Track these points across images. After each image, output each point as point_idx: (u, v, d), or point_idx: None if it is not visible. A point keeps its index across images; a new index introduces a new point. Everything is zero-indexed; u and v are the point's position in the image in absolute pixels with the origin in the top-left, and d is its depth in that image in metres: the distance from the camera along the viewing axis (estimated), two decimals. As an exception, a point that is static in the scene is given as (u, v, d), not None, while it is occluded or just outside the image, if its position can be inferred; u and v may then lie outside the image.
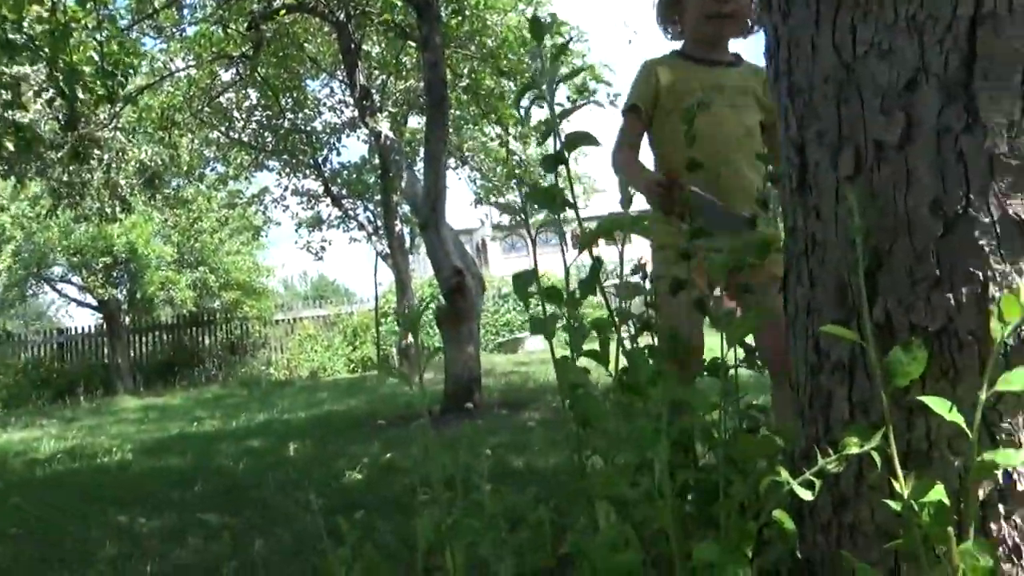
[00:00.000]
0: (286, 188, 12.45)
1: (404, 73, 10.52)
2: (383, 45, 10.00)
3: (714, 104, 2.03)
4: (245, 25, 8.08)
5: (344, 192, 12.50)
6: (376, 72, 10.59)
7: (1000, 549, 0.92)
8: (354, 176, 12.07)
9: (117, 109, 7.56)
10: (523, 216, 1.26)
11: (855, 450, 1.00)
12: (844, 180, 1.09)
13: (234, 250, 14.20)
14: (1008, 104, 0.90)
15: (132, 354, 13.11)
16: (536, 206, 1.44)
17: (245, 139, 11.19)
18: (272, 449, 4.96)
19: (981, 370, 0.92)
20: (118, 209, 8.86)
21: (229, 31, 8.43)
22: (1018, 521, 0.91)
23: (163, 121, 9.23)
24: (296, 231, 12.66)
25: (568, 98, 8.35)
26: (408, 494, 2.99)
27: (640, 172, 2.04)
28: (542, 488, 2.66)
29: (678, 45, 2.23)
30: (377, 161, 11.00)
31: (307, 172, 12.18)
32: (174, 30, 8.63)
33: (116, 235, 12.42)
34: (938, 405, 0.90)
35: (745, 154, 2.05)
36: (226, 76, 9.86)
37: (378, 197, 11.77)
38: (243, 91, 10.44)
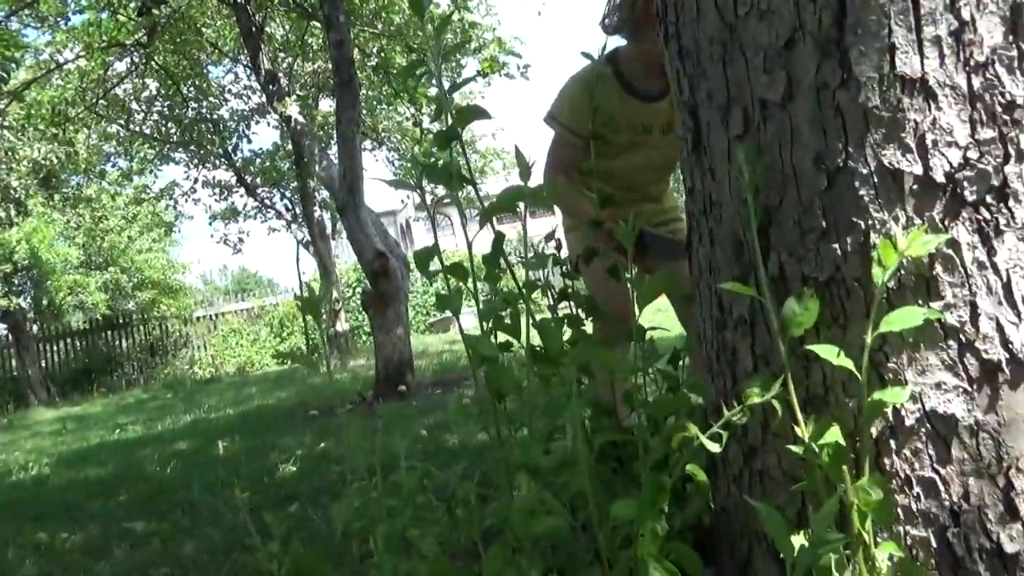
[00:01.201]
0: (196, 180, 11.99)
1: (311, 54, 10.24)
2: (287, 26, 9.69)
3: (643, 143, 2.06)
4: (135, 10, 7.69)
5: (259, 181, 12.13)
6: (282, 54, 10.27)
7: (893, 482, 0.97)
8: (267, 164, 11.72)
9: (2, 106, 7.10)
10: (420, 193, 1.25)
11: (756, 400, 1.04)
12: (734, 139, 1.12)
13: (145, 248, 13.62)
14: (877, 58, 0.93)
15: (43, 364, 12.46)
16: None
17: (147, 131, 10.70)
18: (200, 449, 4.81)
19: (867, 315, 0.96)
20: (13, 213, 8.36)
21: (119, 17, 8.01)
22: (908, 455, 0.96)
23: (55, 117, 8.72)
24: (210, 224, 12.22)
25: (478, 72, 8.29)
26: (341, 483, 2.96)
27: (587, 213, 1.88)
28: (473, 464, 2.68)
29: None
30: (291, 147, 10.70)
31: (217, 162, 11.75)
32: (58, 19, 8.14)
33: (15, 240, 11.74)
34: (827, 352, 0.94)
35: (666, 184, 2.22)
36: (120, 66, 9.38)
37: (294, 184, 11.48)
38: (140, 81, 9.96)
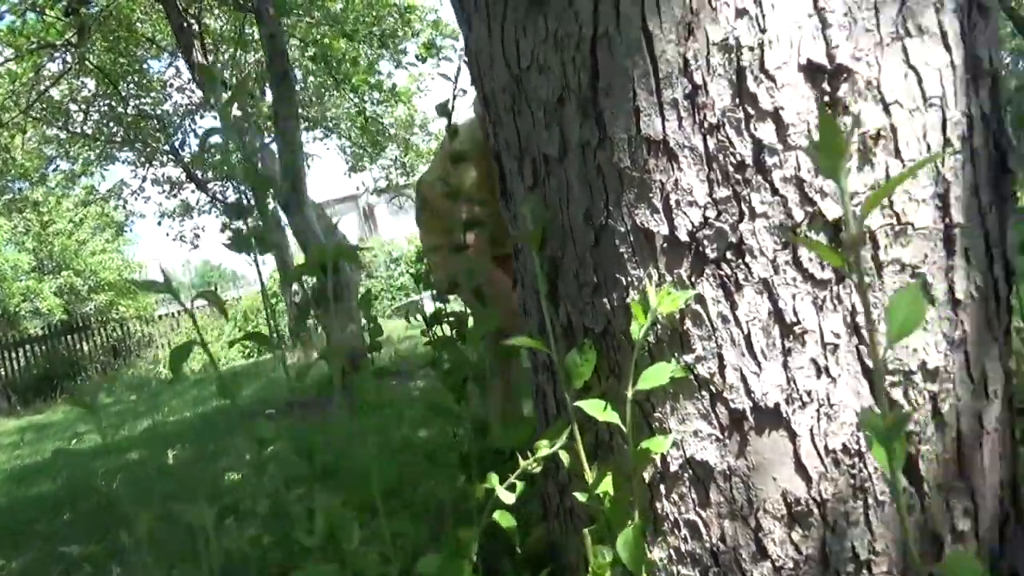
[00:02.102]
0: (144, 179, 11.78)
1: (253, 45, 10.05)
2: (226, 17, 9.50)
3: None
4: (62, 11, 7.49)
5: (210, 175, 11.95)
6: (223, 47, 10.08)
7: (665, 524, 1.01)
8: (217, 158, 11.53)
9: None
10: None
11: (546, 451, 1.07)
12: (528, 190, 1.14)
13: (99, 249, 13.39)
14: (625, 120, 0.95)
15: (3, 372, 12.29)
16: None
17: (88, 132, 10.47)
18: (151, 459, 4.81)
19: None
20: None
21: (46, 18, 7.80)
22: (675, 498, 1.00)
23: (-12, 122, 8.52)
24: (159, 224, 12.03)
25: (417, 56, 8.20)
26: (288, 488, 2.97)
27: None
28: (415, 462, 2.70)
29: None
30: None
31: (165, 159, 11.55)
32: (-18, 23, 7.91)
33: (-40, 249, 11.52)
34: (593, 407, 0.97)
35: None
36: (53, 67, 9.15)
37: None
38: (76, 81, 9.72)
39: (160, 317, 14.18)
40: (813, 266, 0.91)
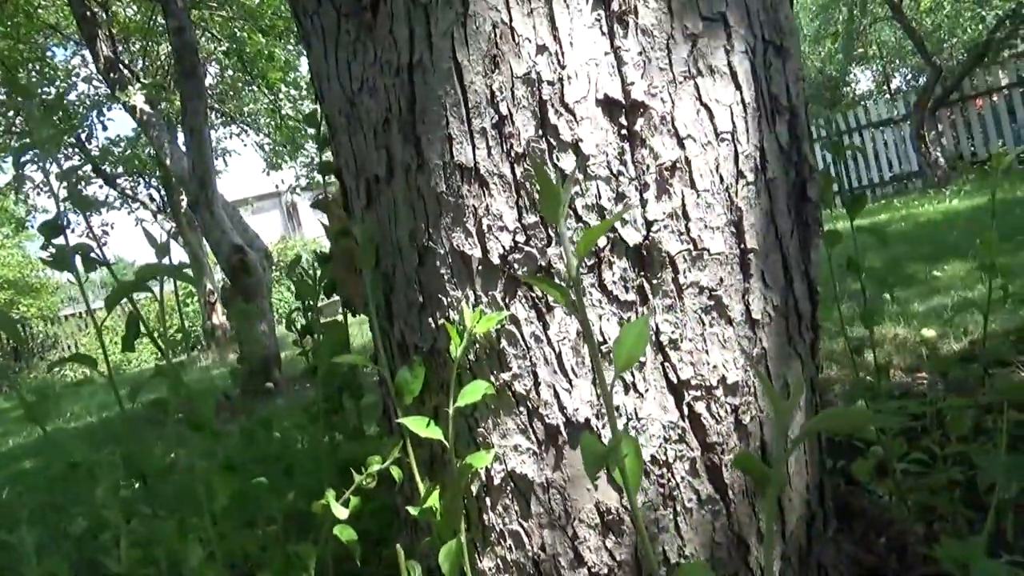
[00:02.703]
0: (47, 172, 11.22)
1: (165, 37, 9.70)
2: (136, 7, 9.15)
3: None
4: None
5: (120, 170, 11.48)
6: (133, 38, 9.70)
7: (492, 535, 1.05)
8: (127, 152, 11.10)
9: None
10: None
11: (378, 466, 1.10)
12: (363, 210, 1.16)
13: (-3, 245, 12.74)
14: (440, 146, 0.98)
15: None
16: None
17: (-16, 122, 9.93)
18: (44, 469, 4.61)
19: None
20: None
21: (-65, 3, 7.35)
22: (500, 510, 1.04)
23: None
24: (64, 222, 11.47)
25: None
26: (182, 499, 2.90)
27: None
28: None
29: None
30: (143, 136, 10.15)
31: (69, 152, 11.04)
32: None
33: None
34: (416, 424, 1.00)
35: None
36: (-58, 53, 8.64)
37: (158, 173, 10.93)
38: (-29, 69, 9.19)
39: (66, 317, 13.60)
40: (617, 288, 0.96)
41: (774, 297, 1.03)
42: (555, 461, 0.99)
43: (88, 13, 7.37)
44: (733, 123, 0.97)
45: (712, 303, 0.97)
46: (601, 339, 0.96)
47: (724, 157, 0.97)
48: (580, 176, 0.94)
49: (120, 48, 9.50)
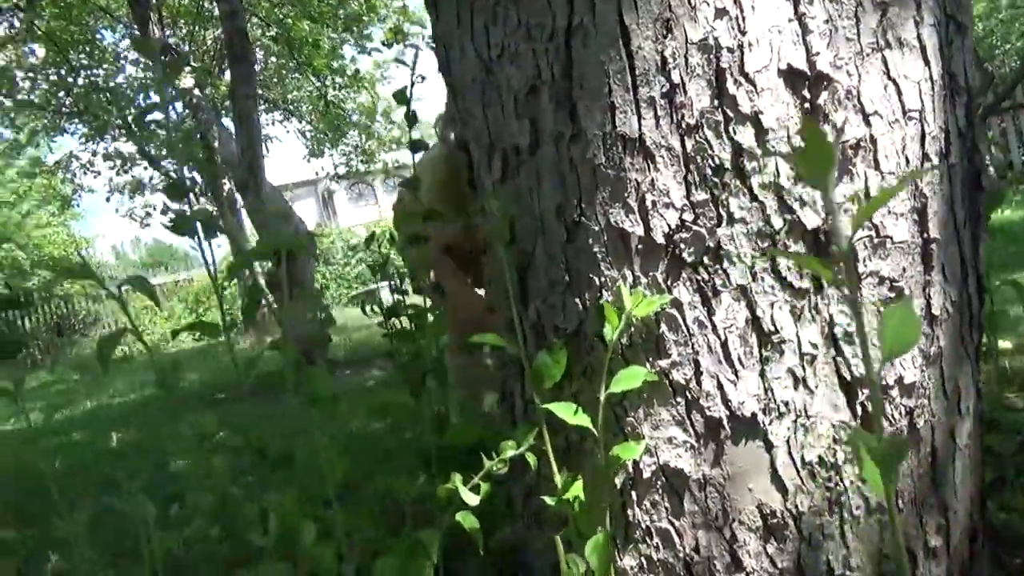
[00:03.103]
0: (94, 152, 11.36)
1: (213, 21, 9.76)
2: (184, -10, 9.21)
3: None
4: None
5: (164, 153, 11.58)
6: (182, 22, 9.77)
7: (637, 532, 0.99)
8: (173, 135, 11.18)
9: None
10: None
11: (511, 452, 1.04)
12: (497, 183, 1.10)
13: (43, 223, 12.89)
14: (600, 116, 0.92)
15: (-63, 349, 11.79)
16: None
17: (35, 100, 10.05)
18: (94, 442, 4.64)
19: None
20: None
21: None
22: (647, 506, 0.98)
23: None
24: (107, 200, 11.61)
25: (383, 42, 8.05)
26: (233, 478, 2.89)
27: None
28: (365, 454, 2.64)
29: None
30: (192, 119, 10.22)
31: (116, 133, 11.15)
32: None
33: None
34: (563, 410, 0.95)
35: None
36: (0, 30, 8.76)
37: (202, 156, 11.00)
38: (24, 47, 9.32)
39: (107, 295, 13.78)
40: (791, 275, 0.89)
41: (952, 292, 0.96)
42: (714, 457, 0.93)
43: (141, -4, 7.42)
44: (921, 101, 0.90)
45: (892, 295, 0.90)
46: (771, 328, 0.90)
47: (911, 137, 0.90)
48: (759, 151, 0.87)
49: (168, 32, 9.57)
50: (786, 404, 0.90)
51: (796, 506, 0.91)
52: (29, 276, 12.52)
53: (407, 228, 2.08)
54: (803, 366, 0.90)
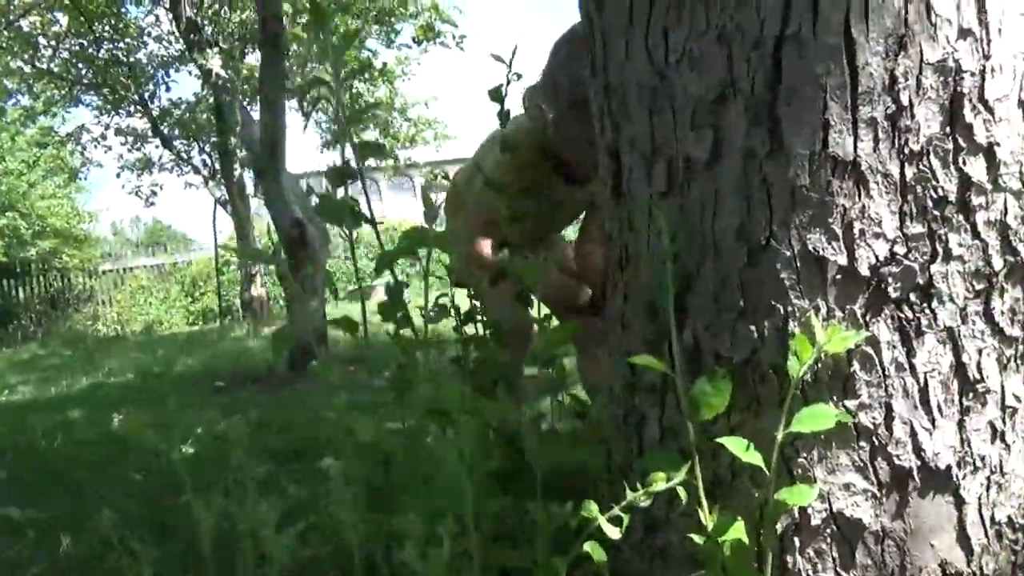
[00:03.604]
0: (107, 127, 11.25)
1: (239, 3, 9.69)
2: (214, -28, 9.14)
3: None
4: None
5: (176, 132, 11.47)
6: (207, 1, 9.69)
7: (794, 581, 0.92)
8: (186, 115, 11.07)
9: None
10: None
11: (662, 486, 0.97)
12: (658, 196, 1.03)
13: (48, 194, 12.73)
14: (809, 133, 0.86)
15: (-72, 311, 11.62)
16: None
17: (55, 70, 9.94)
18: (94, 421, 4.52)
19: (781, 404, 0.90)
20: None
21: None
22: (811, 555, 0.91)
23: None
24: (118, 176, 11.48)
25: (413, 38, 8.00)
26: (239, 471, 2.79)
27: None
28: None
29: None
30: (212, 100, 10.14)
31: (132, 109, 11.04)
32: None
33: None
34: (735, 445, 0.88)
35: None
36: (27, -4, 8.67)
37: (215, 139, 10.90)
38: (49, 15, 9.22)
39: (104, 272, 13.61)
40: (1003, 320, 0.83)
41: None
42: (897, 508, 0.86)
43: (175, -27, 7.36)
44: None
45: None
46: (976, 376, 0.83)
47: None
48: (989, 186, 0.81)
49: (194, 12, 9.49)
50: (982, 459, 0.84)
51: (980, 567, 0.85)
52: (29, 246, 12.35)
53: (462, 223, 2.02)
54: (1004, 419, 0.84)
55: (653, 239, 1.05)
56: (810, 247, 0.87)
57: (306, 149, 13.60)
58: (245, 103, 8.27)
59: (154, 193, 12.12)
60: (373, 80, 10.16)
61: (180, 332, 11.75)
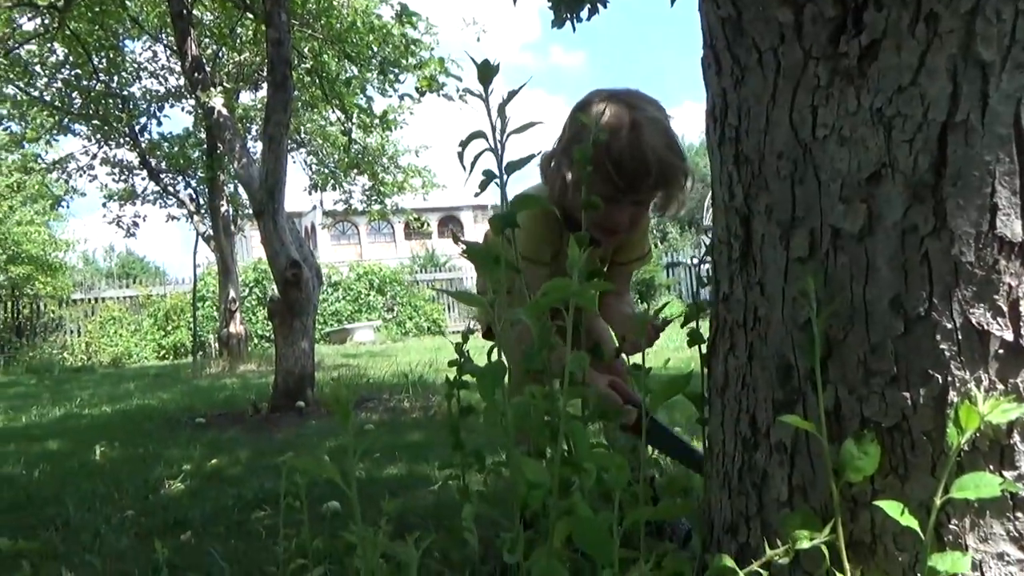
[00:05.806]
0: (94, 156, 11.16)
1: (238, 45, 9.80)
2: (216, 13, 9.24)
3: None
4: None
5: (164, 166, 11.42)
6: (207, 41, 9.78)
7: (941, 649, 0.94)
8: (175, 149, 11.05)
9: None
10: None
11: (807, 544, 0.99)
12: (795, 261, 1.07)
13: (26, 220, 12.51)
14: (976, 215, 0.91)
15: None
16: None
17: (48, 98, 9.88)
18: (73, 452, 4.35)
19: (932, 470, 0.94)
20: None
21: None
22: (960, 622, 0.93)
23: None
24: (104, 205, 11.35)
25: (416, 89, 8.14)
26: (240, 509, 2.71)
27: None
28: (408, 501, 2.51)
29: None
30: (204, 135, 10.15)
31: (121, 140, 10.99)
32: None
33: None
34: (892, 509, 0.90)
35: None
36: (28, 25, 8.65)
37: (202, 174, 10.88)
38: (48, 45, 9.21)
39: (75, 301, 13.32)
40: None
41: None
42: (1052, 579, 0.89)
43: (184, 11, 7.43)
44: None
45: None
46: None
47: None
48: None
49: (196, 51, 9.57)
50: None
51: None
52: (1, 271, 12.07)
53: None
54: None
55: (788, 302, 1.09)
56: (973, 321, 0.91)
57: (292, 189, 13.59)
58: (241, 142, 8.29)
59: (136, 224, 11.99)
60: (368, 129, 10.27)
61: (150, 366, 11.48)
